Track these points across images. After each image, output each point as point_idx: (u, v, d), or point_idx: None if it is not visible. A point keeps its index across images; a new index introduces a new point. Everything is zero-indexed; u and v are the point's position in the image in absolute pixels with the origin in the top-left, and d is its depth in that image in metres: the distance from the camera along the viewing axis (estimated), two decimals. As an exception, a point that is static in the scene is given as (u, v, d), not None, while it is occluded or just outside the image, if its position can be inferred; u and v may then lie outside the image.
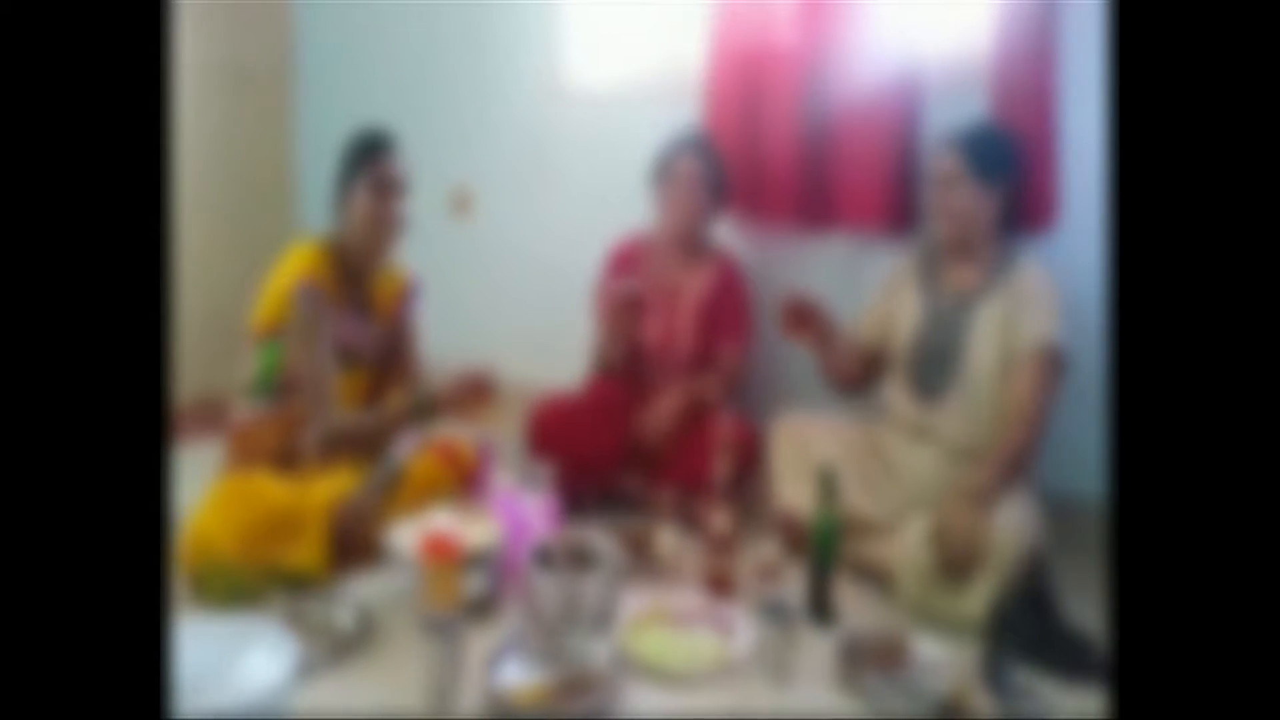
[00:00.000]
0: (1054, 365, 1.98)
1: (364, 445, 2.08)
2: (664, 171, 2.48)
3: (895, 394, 2.20)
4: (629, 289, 2.37)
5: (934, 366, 2.11)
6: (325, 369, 2.07)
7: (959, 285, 2.12)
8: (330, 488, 1.97)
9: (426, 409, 2.12)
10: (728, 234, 2.64)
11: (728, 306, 2.51)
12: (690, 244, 2.52)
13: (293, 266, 2.08)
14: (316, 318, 2.05)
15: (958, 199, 2.06)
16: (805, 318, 2.10)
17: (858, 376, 2.24)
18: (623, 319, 2.39)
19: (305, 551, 1.91)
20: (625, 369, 2.50)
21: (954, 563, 1.84)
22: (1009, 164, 2.08)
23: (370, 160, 2.12)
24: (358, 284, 2.21)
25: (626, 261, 2.55)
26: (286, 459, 2.06)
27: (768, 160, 2.54)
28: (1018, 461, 1.93)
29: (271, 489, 1.94)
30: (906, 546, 1.92)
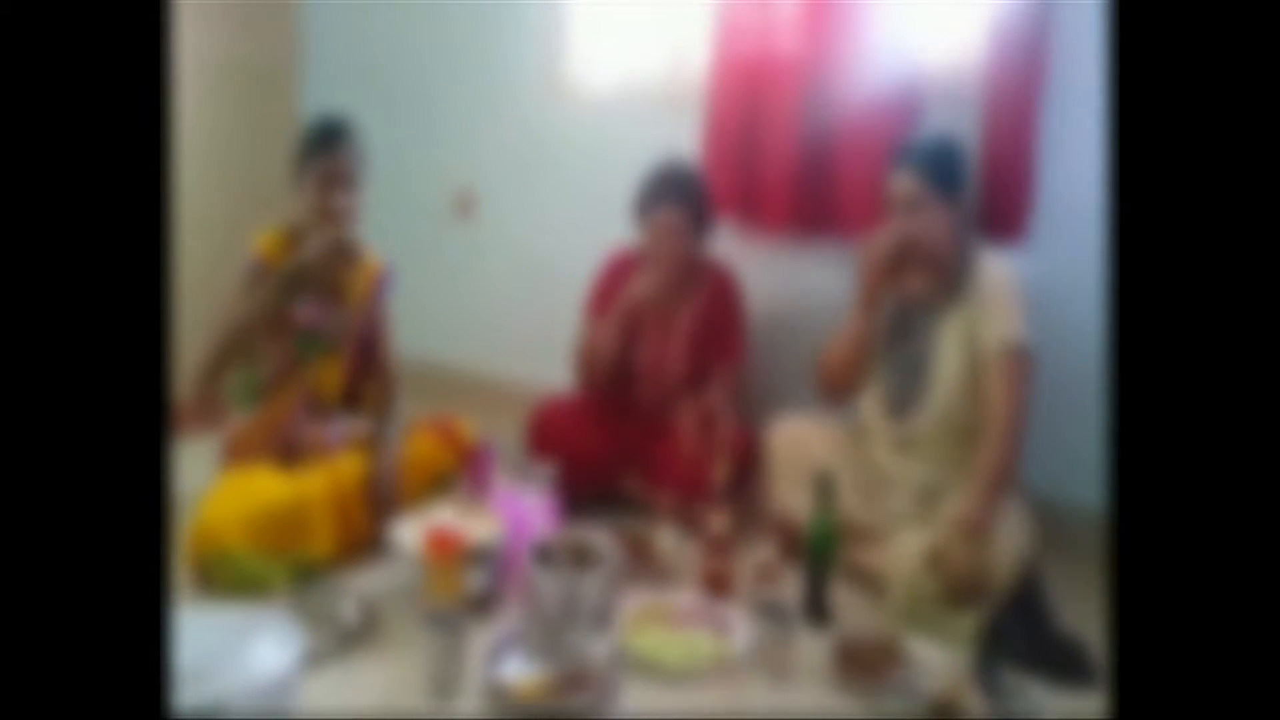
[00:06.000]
0: (1022, 364, 1.93)
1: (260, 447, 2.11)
2: (645, 217, 2.39)
3: (870, 409, 2.19)
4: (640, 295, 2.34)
5: (903, 381, 2.10)
6: (248, 328, 2.08)
7: (923, 298, 2.10)
8: (330, 478, 2.01)
9: (300, 277, 2.11)
10: (726, 240, 2.64)
11: (722, 324, 2.47)
12: (683, 271, 2.43)
13: (253, 246, 2.14)
14: (257, 283, 2.09)
15: (922, 222, 2.01)
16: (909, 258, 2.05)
17: (853, 379, 2.18)
18: (624, 327, 2.38)
19: (314, 543, 1.94)
20: (611, 386, 2.47)
21: (954, 592, 1.81)
22: (966, 175, 2.05)
23: (320, 152, 2.12)
24: (321, 269, 2.17)
25: (619, 275, 2.50)
26: (283, 456, 2.09)
27: (768, 167, 2.56)
28: (1006, 475, 1.89)
29: (274, 483, 1.96)
30: (902, 569, 1.90)
